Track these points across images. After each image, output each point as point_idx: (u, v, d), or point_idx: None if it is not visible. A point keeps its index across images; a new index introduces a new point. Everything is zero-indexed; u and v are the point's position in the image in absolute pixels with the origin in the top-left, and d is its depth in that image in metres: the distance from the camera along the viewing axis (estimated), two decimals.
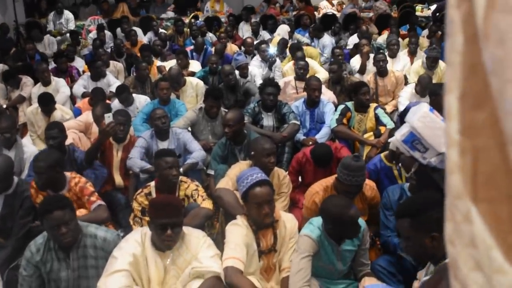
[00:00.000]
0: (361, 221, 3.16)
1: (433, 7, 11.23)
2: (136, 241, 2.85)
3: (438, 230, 2.12)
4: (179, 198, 3.01)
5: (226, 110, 5.42)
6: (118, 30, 10.87)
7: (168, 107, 5.67)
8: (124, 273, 2.70)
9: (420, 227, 2.12)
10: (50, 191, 3.69)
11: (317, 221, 3.11)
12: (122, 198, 4.42)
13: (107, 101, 6.25)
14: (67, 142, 4.58)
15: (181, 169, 4.22)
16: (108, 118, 4.23)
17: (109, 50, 9.24)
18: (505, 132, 0.70)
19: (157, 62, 7.96)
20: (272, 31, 10.62)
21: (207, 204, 3.62)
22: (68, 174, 3.76)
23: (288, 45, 8.76)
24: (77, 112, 6.01)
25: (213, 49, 8.57)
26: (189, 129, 5.21)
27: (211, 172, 4.42)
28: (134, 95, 6.20)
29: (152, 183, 3.74)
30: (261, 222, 3.02)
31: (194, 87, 6.40)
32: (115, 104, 6.05)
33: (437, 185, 2.18)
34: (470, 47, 0.76)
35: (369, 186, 3.61)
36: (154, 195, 3.68)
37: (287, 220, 3.17)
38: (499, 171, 0.73)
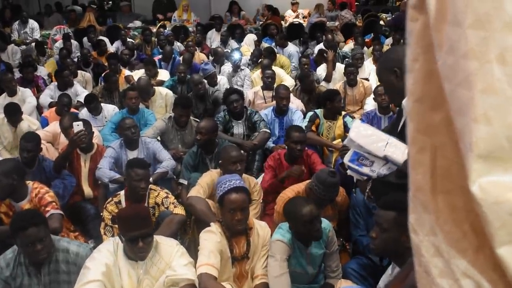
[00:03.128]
0: (326, 223, 3.23)
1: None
2: (109, 251, 2.84)
3: None
4: (147, 207, 3.01)
5: (196, 119, 5.46)
6: (85, 39, 10.77)
7: (137, 117, 5.65)
8: (97, 284, 2.69)
9: (403, 223, 2.19)
10: (11, 201, 3.64)
11: (286, 225, 3.17)
12: (91, 209, 4.37)
13: (75, 110, 6.22)
14: None
15: (151, 179, 4.23)
16: (77, 126, 4.21)
17: (76, 59, 9.16)
18: (457, 130, 0.77)
19: (125, 72, 7.93)
20: (240, 40, 10.70)
21: (180, 210, 3.65)
22: (30, 184, 3.71)
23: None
24: (44, 122, 5.94)
25: (181, 58, 8.58)
26: (159, 138, 5.21)
27: (184, 181, 4.43)
28: (102, 104, 6.18)
29: (122, 192, 3.74)
30: (232, 228, 3.05)
31: (164, 97, 6.40)
32: (83, 113, 6.03)
33: (392, 185, 2.28)
34: (427, 55, 0.83)
35: (340, 192, 3.68)
36: (123, 203, 3.68)
37: (260, 228, 3.21)
38: (454, 165, 0.80)
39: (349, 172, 2.39)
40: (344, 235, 3.88)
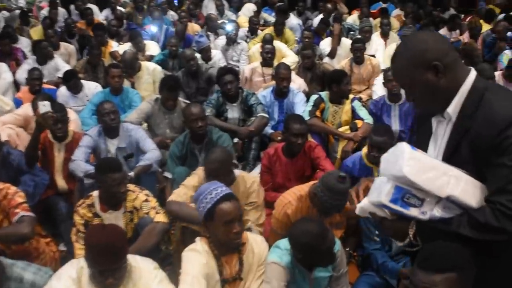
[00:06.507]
0: (336, 243, 2.72)
1: None
2: (71, 278, 2.31)
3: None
4: (124, 233, 2.42)
5: (186, 101, 4.89)
6: (73, 7, 10.06)
7: (120, 97, 5.11)
8: None
9: (467, 280, 1.66)
10: None
11: (285, 244, 2.66)
12: (64, 207, 3.80)
13: (52, 87, 5.64)
14: (2, 139, 3.94)
15: (132, 173, 3.73)
16: (44, 107, 3.63)
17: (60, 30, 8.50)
18: None
19: (112, 44, 7.30)
20: (237, 9, 10.04)
21: (162, 218, 3.11)
22: None
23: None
24: (18, 103, 5.30)
25: (174, 30, 7.95)
26: (144, 124, 4.66)
27: (169, 175, 3.92)
28: (83, 81, 5.60)
29: (95, 193, 3.20)
30: (229, 243, 2.55)
31: (151, 72, 5.80)
32: (62, 91, 5.46)
33: (447, 235, 1.64)
34: None
35: (348, 195, 3.13)
36: (97, 206, 3.15)
37: (256, 244, 2.68)
38: None
39: (371, 210, 1.73)
40: (352, 244, 3.37)
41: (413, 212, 1.61)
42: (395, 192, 1.60)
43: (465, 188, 1.59)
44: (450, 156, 1.70)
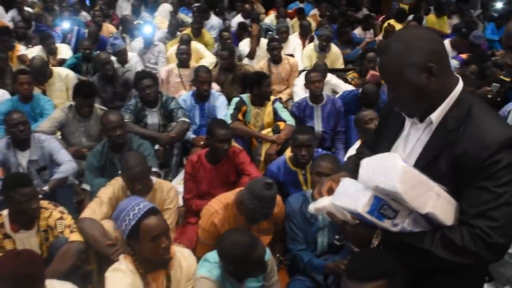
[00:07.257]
0: (266, 251, 2.69)
1: None
2: None
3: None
4: (40, 260, 2.22)
5: (103, 108, 4.67)
6: None
7: (31, 105, 4.79)
8: None
9: (397, 286, 1.63)
10: None
11: (214, 256, 2.58)
12: None
13: None
14: None
15: (46, 187, 3.51)
16: None
17: None
18: None
19: (20, 48, 6.86)
20: (153, 10, 9.79)
21: (77, 236, 2.91)
22: None
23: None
24: None
25: (86, 32, 7.60)
26: (58, 134, 4.40)
27: (87, 187, 3.72)
28: None
29: (5, 212, 2.95)
30: (158, 260, 2.42)
31: (63, 79, 5.47)
32: None
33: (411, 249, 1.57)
34: None
35: (276, 202, 3.09)
36: (7, 226, 2.91)
37: (183, 258, 2.58)
38: None
39: (332, 212, 1.64)
40: (280, 249, 3.34)
41: (386, 224, 1.51)
42: (373, 203, 1.50)
43: (443, 206, 1.52)
44: (426, 165, 1.60)
